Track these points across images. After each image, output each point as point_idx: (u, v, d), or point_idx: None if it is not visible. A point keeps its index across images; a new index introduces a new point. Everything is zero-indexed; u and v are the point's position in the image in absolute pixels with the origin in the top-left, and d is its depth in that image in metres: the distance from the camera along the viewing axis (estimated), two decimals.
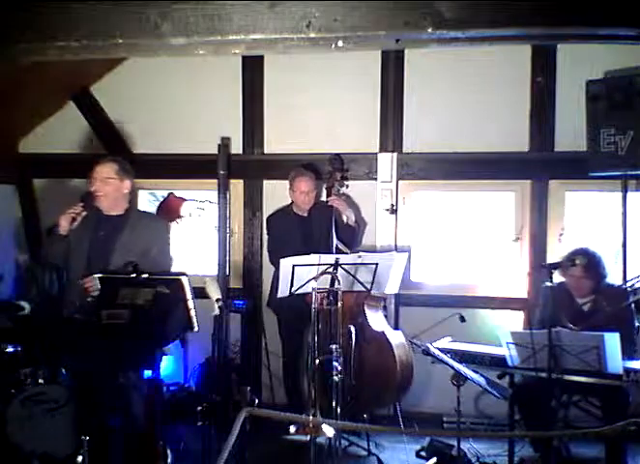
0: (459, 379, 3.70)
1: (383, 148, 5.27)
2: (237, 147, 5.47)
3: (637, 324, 4.08)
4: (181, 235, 5.55)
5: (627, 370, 3.56)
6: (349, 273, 4.08)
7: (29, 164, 5.73)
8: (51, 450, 3.61)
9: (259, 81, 5.41)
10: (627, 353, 3.62)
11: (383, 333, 4.52)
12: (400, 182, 5.25)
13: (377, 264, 4.12)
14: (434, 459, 4.19)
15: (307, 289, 3.99)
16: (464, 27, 3.22)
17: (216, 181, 5.18)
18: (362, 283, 4.16)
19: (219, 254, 5.22)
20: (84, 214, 3.80)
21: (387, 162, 5.23)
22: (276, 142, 5.45)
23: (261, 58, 5.37)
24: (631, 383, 3.57)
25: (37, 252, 5.48)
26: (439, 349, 3.90)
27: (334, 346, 3.90)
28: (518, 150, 5.08)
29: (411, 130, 5.23)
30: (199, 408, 3.73)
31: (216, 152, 5.19)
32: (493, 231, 5.30)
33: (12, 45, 3.55)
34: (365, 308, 4.53)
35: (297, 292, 4.07)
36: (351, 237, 4.81)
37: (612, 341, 3.48)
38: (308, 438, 3.90)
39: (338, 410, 3.87)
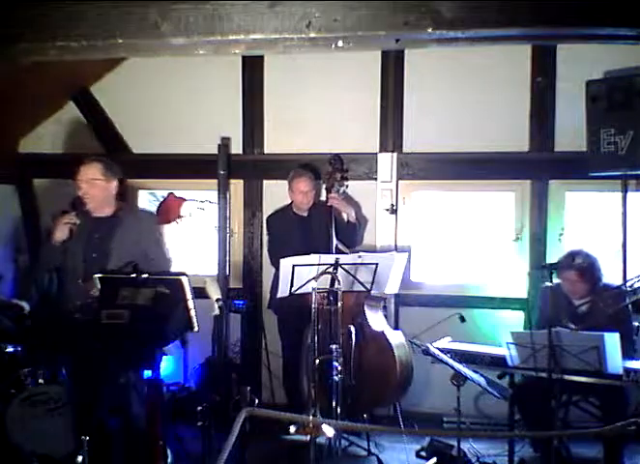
0: (459, 379, 3.69)
1: (383, 148, 5.27)
2: (237, 147, 5.47)
3: (637, 324, 4.09)
4: (181, 235, 5.56)
5: (627, 370, 3.56)
6: (349, 273, 4.08)
7: (29, 164, 5.73)
8: (51, 451, 3.61)
9: (259, 81, 5.41)
10: (627, 353, 3.62)
11: (383, 333, 4.52)
12: (400, 182, 5.25)
13: (377, 264, 4.12)
14: (434, 459, 4.19)
15: (307, 289, 3.99)
16: (464, 27, 3.22)
17: (216, 181, 5.18)
18: (362, 283, 4.16)
19: (219, 254, 5.22)
20: (79, 222, 3.79)
21: (387, 162, 5.23)
22: (275, 142, 5.45)
23: (261, 58, 5.37)
24: (631, 383, 3.57)
25: (37, 253, 5.48)
26: (439, 349, 3.90)
27: (334, 346, 3.90)
28: (518, 150, 5.08)
29: (411, 130, 5.23)
30: (199, 408, 3.73)
31: (216, 152, 5.19)
32: (493, 231, 5.29)
33: (12, 45, 3.55)
34: (365, 308, 4.52)
35: (297, 292, 4.07)
36: (352, 235, 4.81)
37: (612, 341, 3.48)
38: (308, 438, 3.90)
39: (338, 410, 3.88)
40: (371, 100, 5.24)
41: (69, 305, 3.82)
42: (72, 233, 3.77)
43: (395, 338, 4.55)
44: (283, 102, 5.38)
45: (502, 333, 3.78)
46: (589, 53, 4.65)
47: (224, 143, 5.27)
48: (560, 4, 3.16)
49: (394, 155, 5.23)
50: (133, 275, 3.31)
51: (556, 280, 4.00)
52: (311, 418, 3.91)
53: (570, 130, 4.89)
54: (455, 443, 3.98)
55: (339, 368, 3.87)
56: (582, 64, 4.78)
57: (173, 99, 5.51)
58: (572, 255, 3.99)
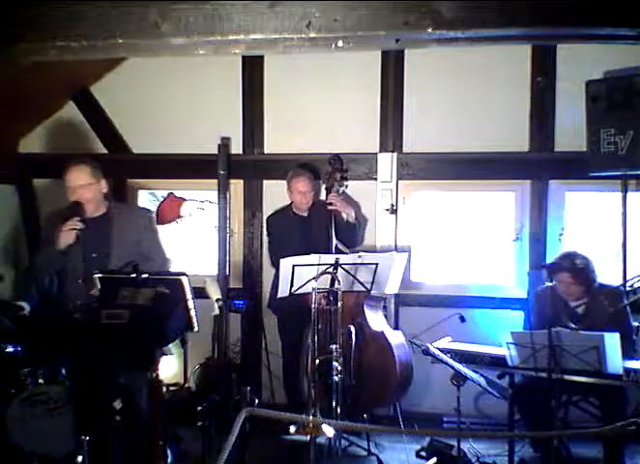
0: (459, 379, 3.70)
1: (383, 148, 5.27)
2: (237, 147, 5.47)
3: (636, 324, 4.09)
4: (181, 235, 5.56)
5: (627, 370, 3.56)
6: (349, 273, 4.08)
7: (29, 164, 5.73)
8: (51, 451, 3.60)
9: (259, 81, 5.41)
10: (627, 353, 3.62)
11: (382, 333, 4.52)
12: (400, 182, 5.25)
13: (377, 264, 4.12)
14: (434, 459, 4.19)
15: (307, 289, 3.99)
16: (464, 27, 3.22)
17: (216, 181, 5.17)
18: (362, 283, 4.16)
19: (219, 254, 5.21)
20: (83, 226, 3.79)
21: (387, 162, 5.23)
22: (275, 142, 5.45)
23: (261, 58, 5.37)
24: (631, 383, 3.57)
25: (37, 253, 5.48)
26: (439, 349, 3.91)
27: (333, 346, 3.90)
28: (518, 150, 5.08)
29: (411, 130, 5.23)
30: (199, 408, 3.72)
31: (216, 152, 5.18)
32: (493, 231, 5.30)
33: (12, 45, 3.55)
34: (365, 308, 4.52)
35: (297, 292, 4.07)
36: (352, 235, 4.81)
37: (612, 341, 3.48)
38: (308, 438, 3.89)
39: (338, 410, 3.88)
40: (371, 100, 5.24)
41: (69, 305, 3.82)
42: (78, 238, 3.78)
43: (395, 338, 4.55)
44: (283, 102, 5.38)
45: (502, 333, 3.77)
46: (589, 53, 4.65)
47: (224, 143, 5.26)
48: (560, 4, 3.16)
49: (394, 155, 5.23)
50: (133, 275, 3.31)
51: (548, 284, 3.99)
52: (311, 418, 3.90)
53: (570, 130, 4.89)
54: (455, 443, 3.98)
55: (339, 368, 3.87)
56: (582, 64, 4.78)
57: (173, 99, 5.51)
58: (566, 257, 3.98)
